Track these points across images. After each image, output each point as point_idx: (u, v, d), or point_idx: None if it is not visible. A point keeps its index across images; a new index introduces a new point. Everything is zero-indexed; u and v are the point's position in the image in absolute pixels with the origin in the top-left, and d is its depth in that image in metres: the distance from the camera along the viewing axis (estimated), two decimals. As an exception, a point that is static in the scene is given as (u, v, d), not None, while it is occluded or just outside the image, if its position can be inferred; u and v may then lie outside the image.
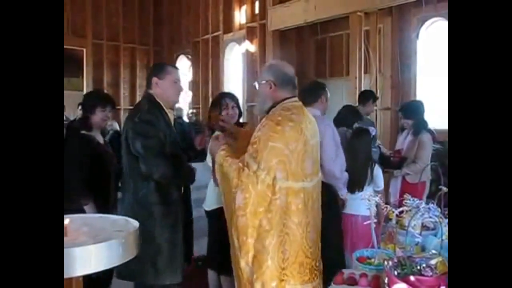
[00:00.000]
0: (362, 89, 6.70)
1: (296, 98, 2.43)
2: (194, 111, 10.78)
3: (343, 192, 3.45)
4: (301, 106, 2.43)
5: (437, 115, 6.23)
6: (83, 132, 3.05)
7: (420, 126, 4.38)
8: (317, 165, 2.45)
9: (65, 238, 1.33)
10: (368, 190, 3.53)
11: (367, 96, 5.43)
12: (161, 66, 2.97)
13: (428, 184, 4.40)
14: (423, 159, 4.21)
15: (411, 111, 4.51)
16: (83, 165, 2.93)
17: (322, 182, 3.19)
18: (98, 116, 3.13)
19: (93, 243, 1.31)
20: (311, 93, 3.54)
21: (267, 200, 2.21)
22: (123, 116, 11.83)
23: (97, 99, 3.21)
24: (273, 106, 2.38)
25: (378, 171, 3.72)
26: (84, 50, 11.41)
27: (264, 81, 2.41)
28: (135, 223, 1.53)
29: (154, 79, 2.79)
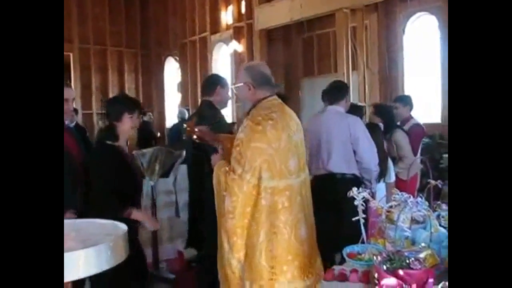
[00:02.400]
0: (351, 85, 6.73)
1: (275, 97, 2.44)
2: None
3: (373, 186, 3.56)
4: (280, 103, 2.44)
5: (425, 108, 6.28)
6: (109, 143, 2.80)
7: (389, 125, 4.36)
8: (302, 161, 2.45)
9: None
10: (381, 182, 3.83)
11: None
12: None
13: (419, 178, 4.42)
14: (406, 155, 4.22)
15: (381, 112, 4.50)
16: (115, 178, 2.71)
17: (338, 177, 3.42)
18: (126, 124, 2.82)
19: (82, 248, 1.31)
20: (337, 92, 3.75)
21: (253, 200, 2.23)
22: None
23: (123, 105, 2.86)
24: (253, 107, 2.39)
25: (390, 163, 3.88)
26: (71, 55, 11.34)
27: (242, 83, 2.42)
28: (124, 227, 1.53)
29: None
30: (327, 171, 3.53)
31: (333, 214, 3.20)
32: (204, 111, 3.40)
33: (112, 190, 2.67)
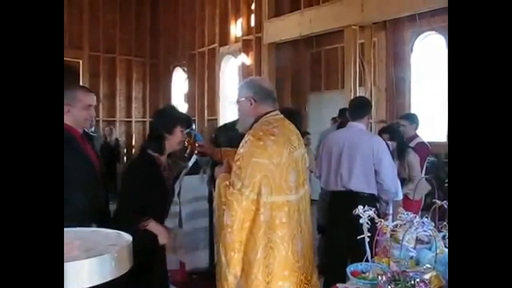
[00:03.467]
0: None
1: (277, 112, 2.43)
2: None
3: (389, 207, 3.52)
4: (282, 118, 2.43)
5: (431, 127, 6.27)
6: (151, 153, 2.77)
7: (403, 147, 4.35)
8: (302, 177, 2.43)
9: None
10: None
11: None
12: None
13: (423, 197, 4.40)
14: (417, 176, 4.20)
15: (392, 132, 4.46)
16: (144, 190, 2.69)
17: (357, 195, 3.36)
18: (176, 138, 2.78)
19: (86, 258, 1.31)
20: (360, 109, 3.71)
21: (252, 214, 2.21)
22: (118, 128, 11.83)
23: (177, 118, 2.83)
24: (255, 122, 2.38)
25: (398, 182, 3.80)
26: (81, 61, 11.43)
27: (243, 98, 2.41)
28: (128, 237, 1.53)
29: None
30: (346, 189, 3.49)
31: (350, 231, 3.20)
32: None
33: (137, 201, 2.65)
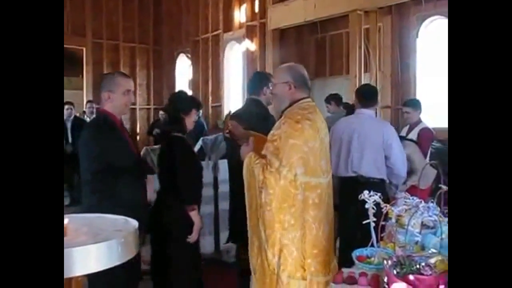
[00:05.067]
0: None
1: (310, 99, 2.55)
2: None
3: (398, 191, 3.62)
4: (314, 106, 2.54)
5: (436, 113, 6.23)
6: (179, 135, 3.03)
7: (401, 140, 4.31)
8: (329, 163, 2.56)
9: (64, 238, 1.34)
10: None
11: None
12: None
13: (431, 184, 4.39)
14: (419, 168, 4.16)
15: None
16: (193, 169, 2.98)
17: (367, 180, 3.54)
18: (191, 119, 3.09)
19: (93, 243, 1.32)
20: (371, 98, 3.87)
21: (290, 196, 2.31)
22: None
23: (192, 101, 3.21)
24: (289, 106, 2.48)
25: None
26: (84, 49, 11.38)
27: (283, 82, 2.51)
28: (134, 223, 1.54)
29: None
30: (356, 174, 3.59)
31: (361, 216, 3.26)
32: (251, 108, 3.48)
33: (193, 178, 2.89)
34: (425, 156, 4.49)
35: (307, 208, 2.34)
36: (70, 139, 7.85)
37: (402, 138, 4.32)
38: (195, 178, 2.97)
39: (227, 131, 3.06)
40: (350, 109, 5.16)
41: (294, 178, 2.30)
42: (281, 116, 2.52)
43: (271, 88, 3.17)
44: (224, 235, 4.43)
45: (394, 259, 1.63)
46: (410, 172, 4.20)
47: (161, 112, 9.96)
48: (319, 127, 2.42)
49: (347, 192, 3.39)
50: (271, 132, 2.42)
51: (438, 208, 2.11)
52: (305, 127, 2.34)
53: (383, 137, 3.57)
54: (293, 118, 2.37)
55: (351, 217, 3.19)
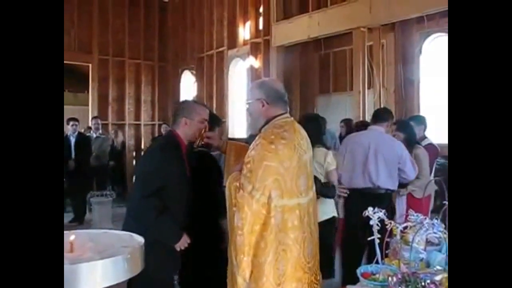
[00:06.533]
0: (366, 104, 6.78)
1: (287, 114, 2.44)
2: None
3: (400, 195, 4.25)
4: (292, 121, 2.43)
5: (441, 130, 6.23)
6: (205, 150, 3.22)
7: (411, 140, 4.36)
8: (311, 180, 2.45)
9: (71, 254, 1.35)
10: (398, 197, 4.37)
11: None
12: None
13: (432, 199, 4.39)
14: (423, 173, 4.21)
15: (403, 126, 4.56)
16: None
17: (384, 191, 3.85)
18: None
19: (99, 259, 1.33)
20: (383, 115, 4.25)
21: (262, 218, 2.22)
22: (127, 130, 11.89)
23: (215, 119, 3.31)
24: (266, 124, 2.38)
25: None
26: (90, 65, 11.49)
27: (255, 100, 2.41)
28: (140, 239, 1.55)
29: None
30: (375, 186, 3.85)
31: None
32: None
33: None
34: (430, 172, 4.49)
35: (285, 231, 2.23)
36: (73, 155, 7.84)
37: (414, 140, 4.52)
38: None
39: (203, 142, 3.06)
40: (361, 126, 5.17)
41: (267, 201, 2.20)
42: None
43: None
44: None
45: (399, 276, 1.63)
46: (415, 178, 4.28)
47: (164, 125, 10.04)
48: (296, 145, 2.29)
49: (367, 203, 3.42)
50: (247, 153, 2.32)
51: (443, 225, 2.11)
52: (279, 147, 2.23)
53: (397, 152, 3.86)
54: (267, 138, 2.26)
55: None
